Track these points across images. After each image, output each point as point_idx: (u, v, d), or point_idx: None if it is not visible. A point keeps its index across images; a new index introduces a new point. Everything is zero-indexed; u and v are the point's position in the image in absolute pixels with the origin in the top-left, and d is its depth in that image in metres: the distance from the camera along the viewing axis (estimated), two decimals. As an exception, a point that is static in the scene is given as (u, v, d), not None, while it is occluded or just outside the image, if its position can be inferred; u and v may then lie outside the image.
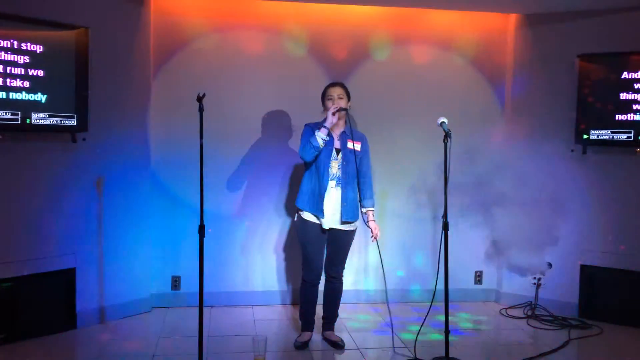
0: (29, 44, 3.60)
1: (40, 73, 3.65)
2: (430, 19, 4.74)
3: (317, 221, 3.65)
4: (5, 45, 3.50)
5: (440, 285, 3.42)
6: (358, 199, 3.72)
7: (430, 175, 4.55)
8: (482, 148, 4.69)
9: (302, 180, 3.72)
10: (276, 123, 4.59)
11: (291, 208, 4.37)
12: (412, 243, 4.82)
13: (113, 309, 4.22)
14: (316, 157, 3.60)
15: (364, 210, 3.76)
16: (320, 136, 3.52)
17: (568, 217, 4.55)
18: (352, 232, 3.75)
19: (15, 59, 3.55)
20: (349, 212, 3.65)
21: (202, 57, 4.48)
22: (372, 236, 3.73)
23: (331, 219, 3.64)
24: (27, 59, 3.59)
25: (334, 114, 3.54)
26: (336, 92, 3.66)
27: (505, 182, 4.70)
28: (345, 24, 4.65)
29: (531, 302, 4.62)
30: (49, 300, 3.89)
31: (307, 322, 3.84)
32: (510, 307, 4.70)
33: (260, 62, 4.56)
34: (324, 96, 3.71)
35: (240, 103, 4.54)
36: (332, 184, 3.63)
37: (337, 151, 3.67)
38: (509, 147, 4.69)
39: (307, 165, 3.70)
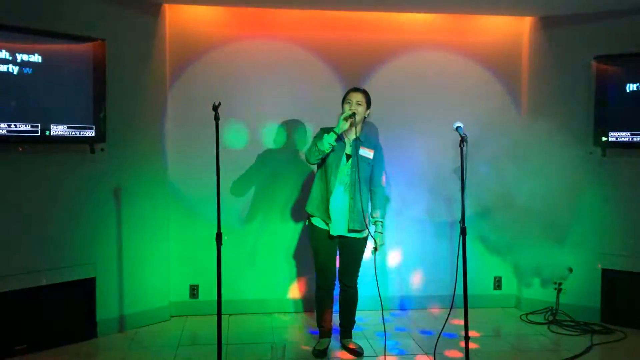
0: (46, 57, 3.65)
1: (58, 85, 3.71)
2: (444, 24, 4.73)
3: (326, 227, 3.64)
4: (24, 59, 3.56)
5: (459, 291, 3.39)
6: (368, 207, 3.69)
7: (448, 180, 4.52)
8: (499, 153, 4.65)
9: (312, 185, 3.72)
10: (291, 130, 4.60)
11: (304, 214, 4.37)
12: (431, 248, 4.79)
13: (133, 317, 4.25)
14: (322, 161, 3.59)
15: (373, 218, 3.72)
16: (328, 140, 3.49)
17: (588, 221, 4.50)
18: (363, 239, 3.71)
19: (34, 72, 3.60)
20: (357, 220, 3.61)
21: (217, 67, 4.52)
22: (373, 247, 3.65)
23: (339, 226, 3.61)
24: (45, 71, 3.65)
25: (345, 119, 3.53)
26: (356, 97, 3.64)
27: (524, 186, 4.66)
28: (359, 31, 4.65)
29: (552, 307, 4.56)
30: (70, 310, 3.94)
31: (324, 329, 3.83)
32: (530, 313, 4.65)
33: (274, 70, 4.58)
34: (344, 100, 3.70)
35: (255, 111, 4.56)
36: (340, 189, 3.61)
37: (348, 157, 3.64)
38: (527, 151, 4.65)
39: (317, 170, 3.69)
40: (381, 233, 3.70)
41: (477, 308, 4.67)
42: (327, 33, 4.63)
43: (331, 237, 3.65)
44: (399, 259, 4.79)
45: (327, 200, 3.59)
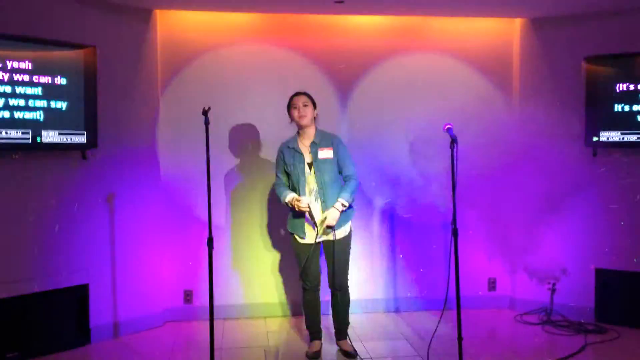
0: (37, 64, 3.65)
1: (50, 92, 3.71)
2: (434, 27, 4.75)
3: (302, 241, 3.69)
4: (14, 66, 3.56)
5: (452, 293, 3.40)
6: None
7: (439, 182, 4.55)
8: (491, 154, 4.68)
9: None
10: (281, 134, 4.60)
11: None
12: (425, 250, 4.79)
13: (126, 324, 4.24)
14: (290, 177, 3.68)
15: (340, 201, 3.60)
16: (283, 201, 3.66)
17: (581, 221, 4.52)
18: (345, 238, 3.70)
19: (24, 79, 3.61)
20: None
21: (208, 72, 4.53)
22: (326, 223, 3.57)
23: (314, 235, 3.64)
24: (36, 78, 3.65)
25: (298, 209, 3.56)
26: (301, 100, 3.66)
27: (516, 188, 4.69)
28: (350, 34, 4.67)
29: (546, 307, 4.57)
30: (63, 317, 3.93)
31: (314, 331, 3.83)
32: (525, 314, 4.65)
33: (265, 74, 4.59)
34: (289, 106, 3.71)
35: (247, 115, 4.57)
36: (311, 198, 3.62)
37: (310, 165, 3.65)
38: (519, 152, 4.68)
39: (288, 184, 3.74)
40: (338, 211, 3.54)
41: (471, 309, 4.69)
42: (317, 38, 4.64)
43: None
44: (393, 262, 4.79)
45: (299, 215, 3.64)
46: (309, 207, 3.56)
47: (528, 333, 4.29)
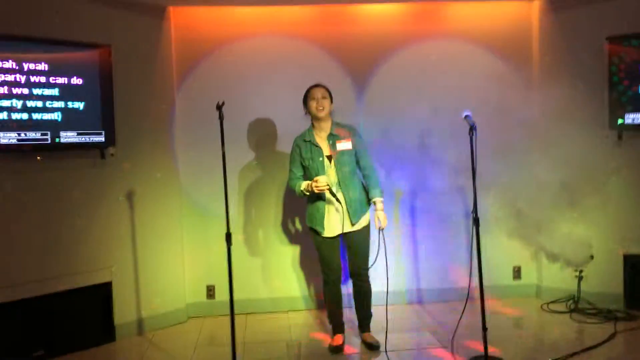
0: (53, 65, 3.68)
1: (67, 92, 3.74)
2: (450, 12, 4.66)
3: (322, 235, 3.65)
4: (30, 68, 3.59)
5: (476, 282, 3.34)
6: (363, 194, 3.65)
7: (460, 170, 4.46)
8: (512, 139, 4.58)
9: (307, 199, 3.70)
10: (298, 127, 4.57)
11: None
12: (449, 240, 4.72)
13: (150, 320, 4.28)
14: (309, 172, 3.61)
15: (371, 200, 3.65)
16: (298, 192, 3.60)
17: (607, 206, 4.40)
18: (365, 228, 3.67)
19: (41, 80, 3.64)
20: (357, 213, 3.60)
21: (223, 66, 4.51)
22: (378, 227, 3.60)
23: (340, 225, 3.59)
24: (53, 79, 3.68)
25: (318, 191, 3.48)
26: (319, 92, 3.62)
27: (540, 173, 4.58)
28: (365, 24, 4.61)
29: (574, 295, 4.47)
30: (87, 315, 3.97)
31: (336, 325, 3.81)
32: (551, 302, 4.56)
33: (280, 66, 4.56)
34: (307, 97, 3.67)
35: (264, 109, 4.55)
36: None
37: (329, 158, 3.61)
38: (541, 136, 4.57)
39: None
40: (382, 211, 3.62)
41: (496, 299, 4.62)
42: (333, 27, 4.59)
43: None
44: (416, 252, 4.74)
45: (320, 210, 3.59)
46: (327, 185, 3.47)
47: (555, 322, 4.21)
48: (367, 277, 3.75)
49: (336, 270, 3.73)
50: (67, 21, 3.81)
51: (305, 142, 3.64)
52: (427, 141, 4.64)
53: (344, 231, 3.62)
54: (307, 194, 3.56)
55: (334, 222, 3.61)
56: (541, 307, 4.53)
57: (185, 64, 4.49)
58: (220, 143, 3.17)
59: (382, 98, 4.64)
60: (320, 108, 3.59)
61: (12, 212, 3.66)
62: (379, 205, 3.62)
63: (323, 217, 3.62)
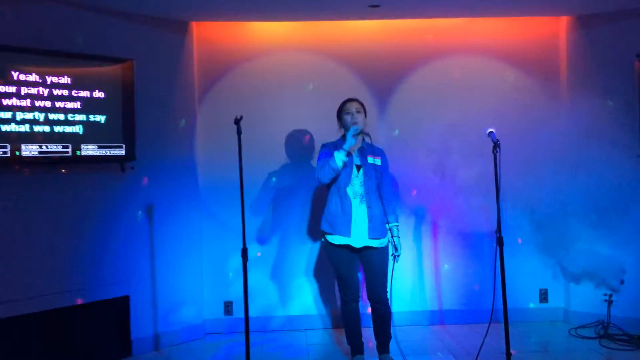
0: (76, 79, 3.71)
1: (88, 106, 3.76)
2: (473, 28, 4.60)
3: (343, 242, 3.53)
4: (53, 82, 3.63)
5: (500, 305, 3.23)
6: (383, 214, 3.57)
7: (484, 188, 4.35)
8: (537, 158, 4.47)
9: (326, 203, 3.63)
10: (319, 141, 4.53)
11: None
12: (472, 260, 4.61)
13: (167, 335, 4.24)
14: (334, 179, 3.51)
15: (388, 226, 3.59)
16: (340, 157, 3.43)
17: (638, 228, 4.24)
18: (384, 249, 3.60)
19: (64, 94, 3.66)
20: (377, 229, 3.52)
21: (245, 81, 4.51)
22: (393, 254, 3.58)
23: (359, 238, 3.51)
24: (75, 93, 3.71)
25: (354, 136, 3.44)
26: (354, 106, 3.60)
27: (567, 193, 4.46)
28: (389, 39, 4.57)
29: (603, 320, 4.30)
30: (104, 329, 3.95)
31: (355, 346, 3.71)
32: (580, 327, 4.40)
33: (302, 82, 4.54)
34: (341, 111, 3.64)
35: (285, 123, 4.52)
36: (357, 202, 3.52)
37: (358, 167, 3.56)
38: (569, 155, 4.45)
39: (328, 187, 3.60)
40: (398, 237, 3.61)
41: (522, 322, 4.48)
42: (355, 42, 4.56)
43: (352, 251, 3.55)
44: (437, 272, 4.63)
45: (346, 215, 3.51)
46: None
47: (584, 348, 4.05)
48: (387, 300, 3.64)
49: (355, 290, 3.65)
50: (91, 36, 3.85)
51: (337, 148, 3.54)
52: (449, 158, 4.56)
53: (366, 244, 3.53)
54: (343, 161, 3.44)
55: (361, 229, 3.51)
56: (569, 332, 4.37)
57: (207, 79, 4.50)
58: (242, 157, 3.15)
59: (404, 113, 4.58)
60: (355, 122, 3.55)
61: (31, 224, 3.66)
62: (396, 231, 3.60)
63: (350, 222, 3.52)
